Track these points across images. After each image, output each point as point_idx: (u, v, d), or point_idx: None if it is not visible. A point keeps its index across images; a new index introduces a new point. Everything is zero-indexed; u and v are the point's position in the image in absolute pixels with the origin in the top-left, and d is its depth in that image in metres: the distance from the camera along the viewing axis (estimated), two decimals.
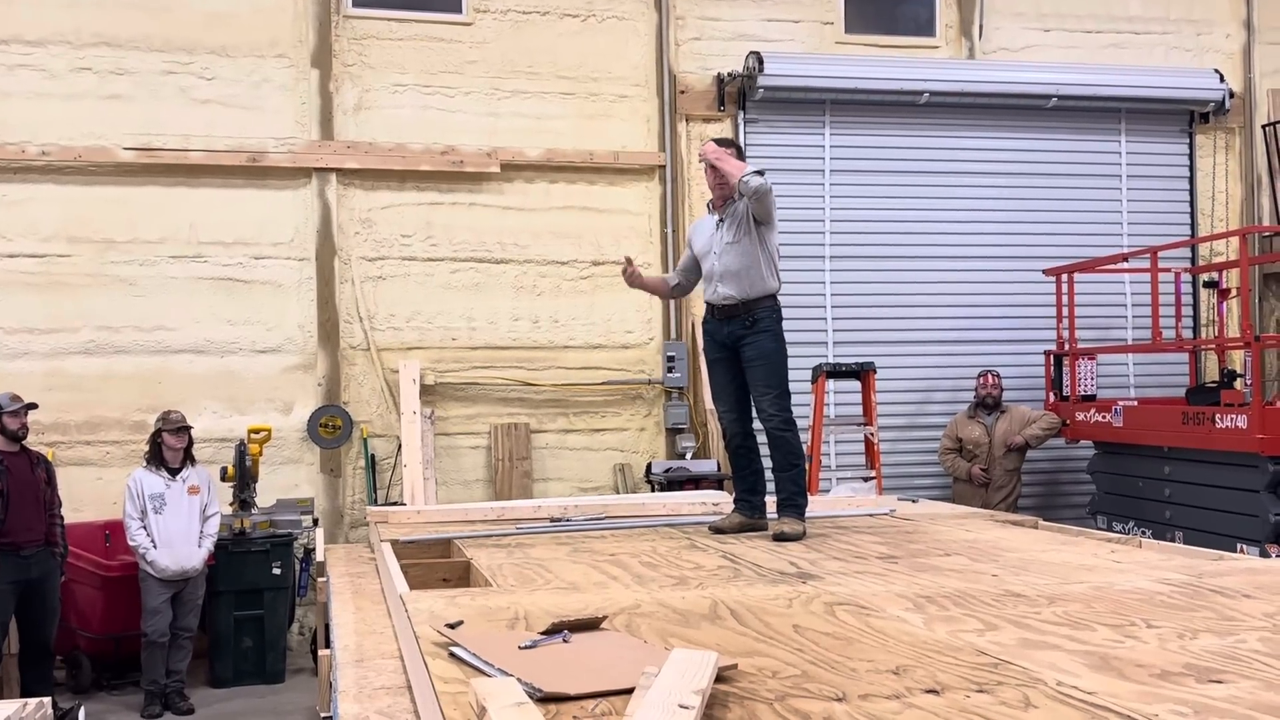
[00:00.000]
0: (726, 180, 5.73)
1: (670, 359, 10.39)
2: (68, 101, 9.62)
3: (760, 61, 10.41)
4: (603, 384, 10.43)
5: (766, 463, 5.94)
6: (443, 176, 10.22)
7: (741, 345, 5.78)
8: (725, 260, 5.76)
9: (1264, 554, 7.75)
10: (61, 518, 8.05)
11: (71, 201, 9.64)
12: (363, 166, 10.06)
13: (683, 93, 10.65)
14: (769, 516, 5.85)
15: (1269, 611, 3.41)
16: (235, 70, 9.92)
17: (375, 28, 10.21)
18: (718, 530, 5.75)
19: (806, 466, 5.96)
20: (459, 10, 10.37)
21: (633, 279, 6.09)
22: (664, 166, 10.56)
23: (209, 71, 9.88)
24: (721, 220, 5.84)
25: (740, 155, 5.96)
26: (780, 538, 5.46)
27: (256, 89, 9.96)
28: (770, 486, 5.92)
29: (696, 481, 9.59)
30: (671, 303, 10.49)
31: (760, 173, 5.59)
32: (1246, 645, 2.96)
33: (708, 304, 5.94)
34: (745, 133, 10.69)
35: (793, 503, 5.72)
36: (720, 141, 5.98)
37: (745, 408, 5.93)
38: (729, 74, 10.62)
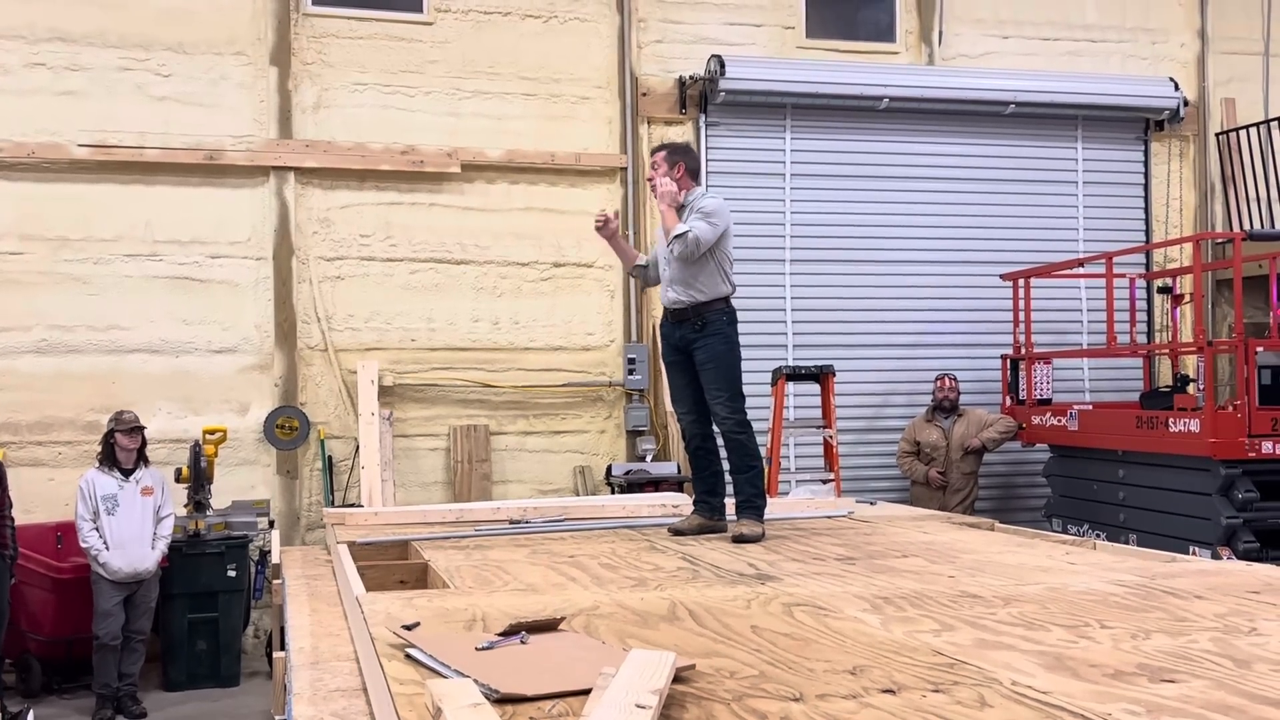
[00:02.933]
0: (656, 189, 5.89)
1: (631, 361, 10.38)
2: (21, 97, 9.48)
3: (722, 65, 10.43)
4: (563, 386, 10.40)
5: (726, 465, 5.96)
6: (402, 176, 10.16)
7: (693, 349, 5.84)
8: (674, 265, 5.82)
9: (1216, 556, 7.85)
10: (12, 519, 7.91)
11: (24, 199, 9.49)
12: (321, 165, 9.98)
13: (644, 95, 10.65)
14: (728, 518, 5.87)
15: (1220, 612, 3.45)
16: (192, 67, 9.82)
17: (335, 26, 10.14)
18: (677, 532, 5.75)
19: (764, 468, 5.99)
20: (420, 10, 10.32)
21: (610, 232, 6.09)
22: (625, 169, 10.55)
23: (166, 68, 9.77)
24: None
25: (693, 158, 6.00)
26: (739, 539, 5.48)
27: (214, 86, 9.86)
28: (730, 488, 5.93)
29: (656, 484, 9.59)
30: (632, 305, 10.49)
31: (685, 234, 5.62)
32: (1198, 645, 3.00)
33: (664, 307, 6.02)
34: (706, 136, 10.72)
35: (751, 504, 5.74)
36: (670, 148, 6.04)
37: (703, 410, 5.95)
38: (690, 77, 10.64)
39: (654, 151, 6.12)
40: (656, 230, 6.31)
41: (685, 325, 5.84)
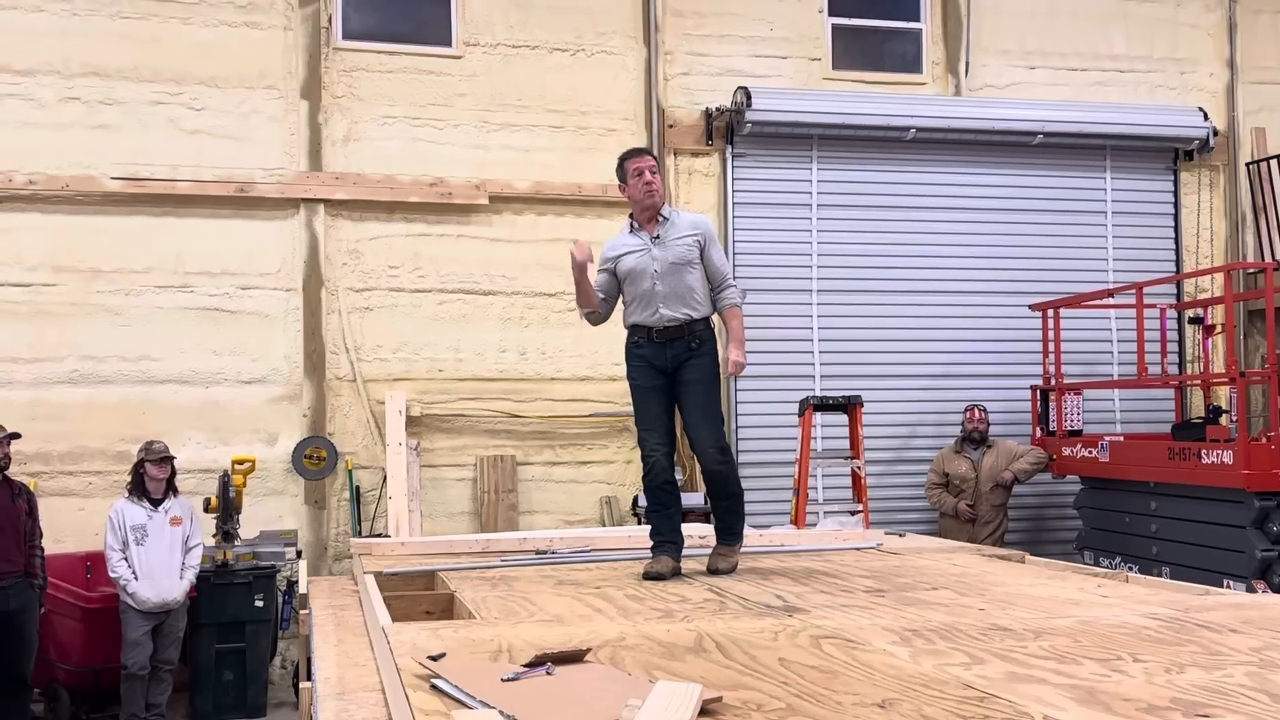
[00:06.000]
0: (659, 191, 5.65)
1: None
2: (56, 131, 9.61)
3: (748, 97, 10.46)
4: (590, 416, 10.40)
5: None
6: (431, 208, 10.23)
7: (682, 367, 5.59)
8: (669, 281, 5.56)
9: (1250, 589, 7.74)
10: (42, 549, 7.98)
11: (58, 231, 9.61)
12: (351, 197, 10.06)
13: (671, 127, 10.70)
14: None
15: (1255, 646, 3.40)
16: (224, 101, 9.93)
17: (365, 60, 10.25)
18: (657, 576, 5.28)
19: (743, 494, 5.76)
20: (449, 44, 10.42)
21: (582, 267, 5.64)
22: None
23: (198, 102, 9.89)
24: (657, 238, 5.64)
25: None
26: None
27: (245, 120, 9.97)
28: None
29: (683, 515, 9.53)
30: None
31: (737, 301, 5.71)
32: (1233, 680, 2.95)
33: (641, 327, 5.66)
34: (733, 167, 10.74)
35: (731, 531, 5.65)
36: (651, 153, 5.92)
37: (674, 443, 5.77)
38: (717, 109, 10.68)
39: (641, 153, 5.80)
40: (603, 250, 5.89)
41: (678, 344, 5.57)
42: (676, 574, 5.40)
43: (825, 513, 9.77)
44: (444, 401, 10.18)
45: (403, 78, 10.28)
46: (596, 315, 5.91)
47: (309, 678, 4.48)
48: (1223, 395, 10.60)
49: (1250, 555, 8.15)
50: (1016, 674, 3.04)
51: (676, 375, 5.62)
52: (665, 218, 5.68)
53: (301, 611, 5.61)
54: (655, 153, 5.98)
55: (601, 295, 5.85)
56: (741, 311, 5.72)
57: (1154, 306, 10.53)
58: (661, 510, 5.63)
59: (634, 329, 5.71)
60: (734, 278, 5.77)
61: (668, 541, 5.56)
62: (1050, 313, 10.53)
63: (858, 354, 10.93)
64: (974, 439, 10.28)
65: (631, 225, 5.80)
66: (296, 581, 7.91)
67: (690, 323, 5.59)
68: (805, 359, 10.79)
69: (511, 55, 10.49)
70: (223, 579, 8.66)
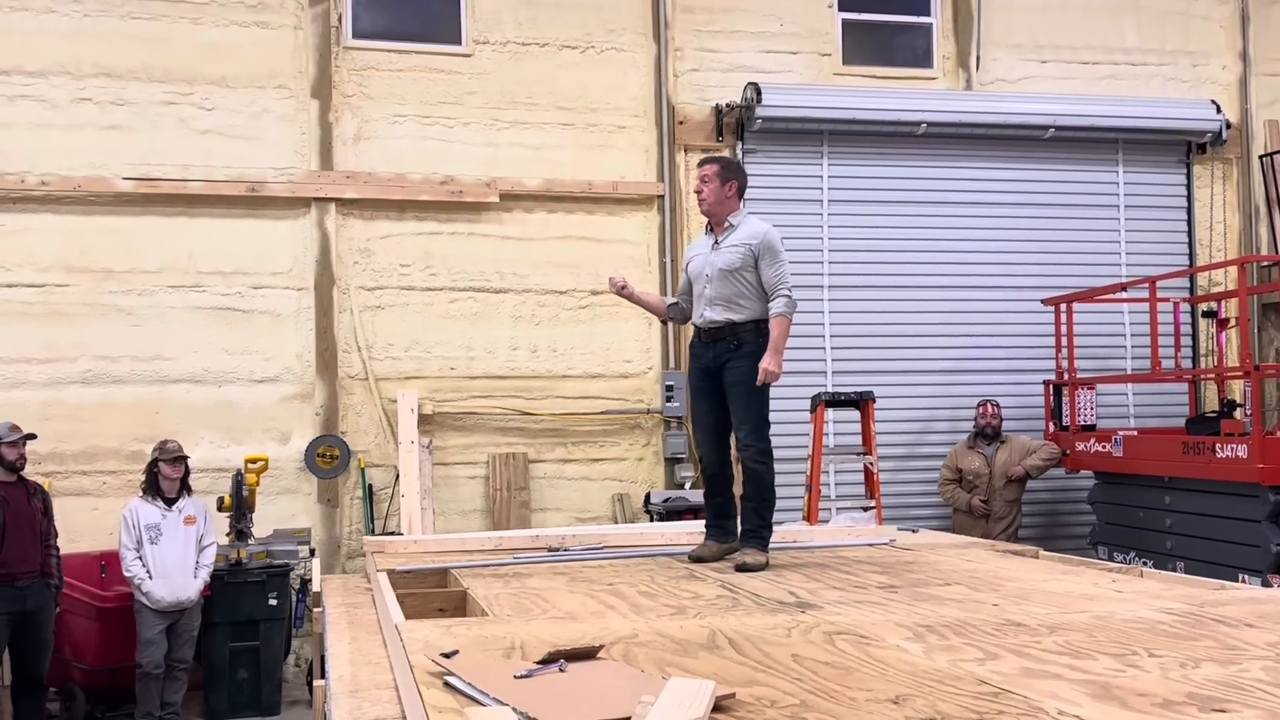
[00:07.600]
0: (709, 200, 5.84)
1: (669, 388, 10.36)
2: (68, 132, 9.64)
3: (758, 92, 10.44)
4: (601, 413, 10.40)
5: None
6: (442, 206, 10.24)
7: (724, 368, 5.75)
8: (716, 285, 5.75)
9: (1266, 584, 7.71)
10: (57, 549, 8.00)
11: (70, 231, 9.64)
12: (362, 196, 10.07)
13: (681, 123, 10.68)
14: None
15: (1271, 641, 3.38)
16: (235, 101, 9.95)
17: (375, 59, 10.25)
18: (698, 559, 5.72)
19: (775, 500, 5.88)
20: (459, 42, 10.42)
21: (627, 294, 6.10)
22: (662, 196, 10.58)
23: (209, 102, 9.91)
24: (717, 243, 5.84)
25: (744, 177, 5.99)
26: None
27: (256, 119, 9.99)
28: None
29: (695, 511, 9.51)
30: (670, 332, 10.48)
31: (784, 312, 5.73)
32: (1249, 674, 2.94)
33: (695, 327, 5.94)
34: (743, 163, 10.70)
35: (756, 534, 5.71)
36: (723, 163, 5.98)
37: (723, 438, 5.89)
38: (727, 105, 10.66)
39: (704, 162, 6.01)
40: (683, 256, 6.30)
41: (720, 345, 5.75)
42: (721, 556, 5.71)
43: (838, 509, 9.75)
44: (456, 399, 10.19)
45: (413, 76, 10.29)
46: (678, 309, 6.25)
47: (323, 676, 4.50)
48: (1237, 389, 10.55)
49: (1266, 549, 8.12)
50: (1031, 669, 3.04)
51: (721, 376, 5.80)
52: (731, 225, 5.87)
53: (315, 610, 5.63)
54: (716, 157, 6.18)
55: (676, 300, 6.27)
56: (788, 321, 5.76)
57: (1167, 300, 10.49)
58: (709, 499, 6.00)
59: (694, 328, 6.00)
60: (789, 287, 5.79)
61: (712, 526, 5.91)
62: (1063, 307, 10.49)
63: (869, 349, 10.91)
64: (987, 434, 10.25)
65: (708, 225, 6.03)
66: (310, 580, 7.93)
67: (731, 324, 5.74)
68: (817, 355, 10.78)
69: (521, 53, 10.49)
70: (236, 578, 8.68)
